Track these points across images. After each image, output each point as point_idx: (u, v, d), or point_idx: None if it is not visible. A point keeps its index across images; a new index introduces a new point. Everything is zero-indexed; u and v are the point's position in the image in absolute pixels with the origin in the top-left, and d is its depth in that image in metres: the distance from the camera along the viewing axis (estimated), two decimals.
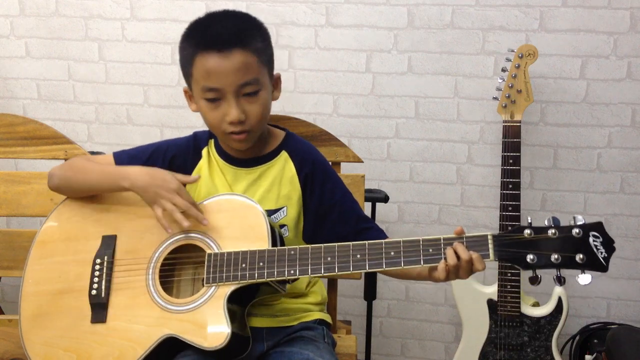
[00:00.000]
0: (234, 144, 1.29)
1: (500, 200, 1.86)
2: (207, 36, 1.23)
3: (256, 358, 1.32)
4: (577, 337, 2.12)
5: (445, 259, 1.10)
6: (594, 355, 1.94)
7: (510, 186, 1.85)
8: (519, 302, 1.88)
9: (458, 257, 1.10)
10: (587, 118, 2.05)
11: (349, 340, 1.60)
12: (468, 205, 2.17)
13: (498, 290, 1.89)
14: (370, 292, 2.01)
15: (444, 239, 1.11)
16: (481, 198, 2.15)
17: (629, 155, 2.06)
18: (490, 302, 1.91)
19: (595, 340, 2.02)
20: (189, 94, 1.32)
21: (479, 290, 1.93)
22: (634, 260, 2.12)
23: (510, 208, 1.84)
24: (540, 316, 1.89)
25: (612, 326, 2.05)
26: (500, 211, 1.86)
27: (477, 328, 1.94)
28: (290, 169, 1.34)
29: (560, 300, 1.88)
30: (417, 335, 2.30)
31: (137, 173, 1.26)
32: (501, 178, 1.86)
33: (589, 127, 2.05)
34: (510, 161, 1.85)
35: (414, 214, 2.19)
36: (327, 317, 1.44)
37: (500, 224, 1.86)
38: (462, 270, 1.10)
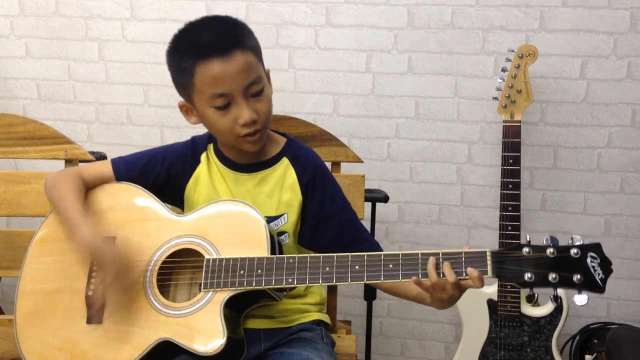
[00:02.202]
0: (247, 147, 1.27)
1: (500, 200, 1.86)
2: (203, 44, 1.21)
3: (253, 359, 1.31)
4: (577, 337, 2.12)
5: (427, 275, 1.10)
6: (594, 355, 1.94)
7: (510, 186, 1.85)
8: (519, 302, 1.88)
9: (445, 276, 1.09)
10: (587, 118, 2.05)
11: (349, 340, 1.60)
12: (468, 205, 2.17)
13: (498, 290, 1.89)
14: (370, 292, 2.01)
15: (442, 254, 1.11)
16: (481, 198, 2.15)
17: (629, 155, 2.05)
18: (490, 302, 1.91)
19: (595, 340, 2.02)
20: (187, 107, 1.31)
21: (479, 290, 1.93)
22: (634, 260, 2.12)
23: (510, 208, 1.84)
24: (540, 316, 1.89)
25: (612, 326, 2.05)
26: (500, 211, 1.86)
27: (477, 328, 1.94)
28: (292, 175, 1.33)
29: (560, 300, 1.88)
30: (417, 335, 2.30)
31: (88, 238, 1.20)
32: (501, 178, 1.86)
33: (589, 127, 2.05)
34: (510, 161, 1.85)
35: (414, 214, 2.19)
36: (325, 318, 1.44)
37: (500, 224, 1.86)
38: (451, 287, 1.10)
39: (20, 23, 2.23)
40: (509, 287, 1.87)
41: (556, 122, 2.06)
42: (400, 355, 2.32)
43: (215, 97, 1.21)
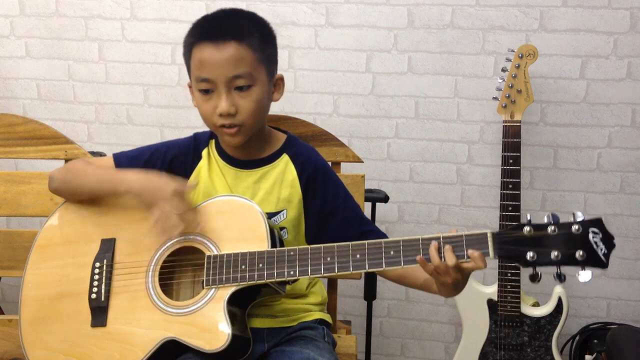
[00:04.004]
0: (225, 139, 1.29)
1: (500, 200, 1.86)
2: (205, 28, 1.24)
3: (257, 358, 1.31)
4: (577, 337, 2.12)
5: (429, 259, 1.10)
6: (594, 355, 1.94)
7: (510, 186, 1.85)
8: (519, 302, 1.88)
9: (445, 259, 1.09)
10: (587, 118, 2.05)
11: (349, 340, 1.60)
12: (468, 205, 2.17)
13: (498, 290, 1.89)
14: (370, 292, 2.01)
15: (443, 238, 1.11)
16: (481, 198, 2.15)
17: (629, 155, 2.06)
18: (490, 302, 1.91)
19: (595, 340, 2.02)
20: (190, 88, 1.32)
21: (479, 290, 1.93)
22: (634, 260, 2.12)
23: (510, 208, 1.84)
24: (540, 316, 1.89)
25: (612, 326, 2.05)
26: (500, 211, 1.86)
27: (477, 328, 1.94)
28: (292, 171, 1.34)
29: (560, 300, 1.88)
30: (417, 335, 2.30)
31: (135, 178, 1.26)
32: (501, 178, 1.86)
33: (589, 127, 2.05)
34: (510, 161, 1.85)
35: (414, 214, 2.20)
36: (327, 317, 1.44)
37: (500, 224, 1.86)
38: (453, 271, 1.10)
39: (20, 23, 2.23)
40: (509, 287, 1.87)
41: (556, 122, 2.06)
42: (400, 355, 2.32)
43: (200, 80, 1.24)
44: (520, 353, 1.90)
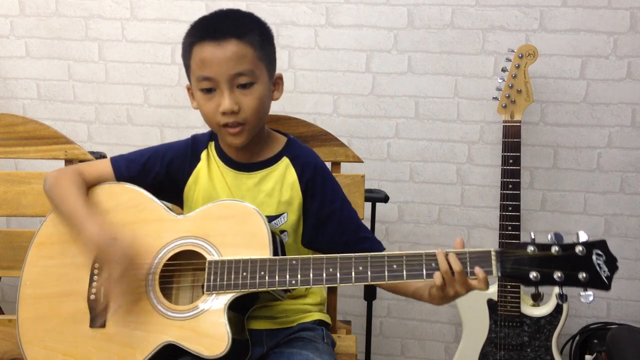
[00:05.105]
0: (228, 138, 1.28)
1: (500, 200, 1.86)
2: (205, 27, 1.24)
3: None
4: (577, 337, 2.12)
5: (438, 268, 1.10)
6: (594, 355, 1.94)
7: (510, 186, 1.85)
8: (519, 302, 1.88)
9: (451, 268, 1.09)
10: (587, 118, 2.05)
11: (349, 340, 1.60)
12: (468, 205, 2.17)
13: (498, 290, 1.89)
14: (370, 292, 2.01)
15: (447, 252, 1.11)
16: (481, 198, 2.15)
17: (629, 155, 2.05)
18: (490, 302, 1.91)
19: (595, 340, 2.02)
20: (191, 90, 1.32)
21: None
22: (634, 260, 2.12)
23: (510, 208, 1.84)
24: (540, 316, 1.89)
25: (612, 326, 2.05)
26: (500, 211, 1.86)
27: (477, 328, 1.94)
28: (292, 174, 1.33)
29: (564, 297, 1.87)
30: (417, 335, 2.30)
31: (97, 233, 1.21)
32: (501, 178, 1.86)
33: (589, 127, 2.05)
34: (510, 161, 1.85)
35: (414, 214, 2.20)
36: (326, 318, 1.44)
37: (500, 224, 1.86)
38: (458, 283, 1.09)
39: (20, 23, 2.23)
40: (509, 287, 1.87)
41: (556, 122, 2.06)
42: (400, 355, 2.32)
43: (202, 79, 1.23)
44: (520, 353, 1.90)
